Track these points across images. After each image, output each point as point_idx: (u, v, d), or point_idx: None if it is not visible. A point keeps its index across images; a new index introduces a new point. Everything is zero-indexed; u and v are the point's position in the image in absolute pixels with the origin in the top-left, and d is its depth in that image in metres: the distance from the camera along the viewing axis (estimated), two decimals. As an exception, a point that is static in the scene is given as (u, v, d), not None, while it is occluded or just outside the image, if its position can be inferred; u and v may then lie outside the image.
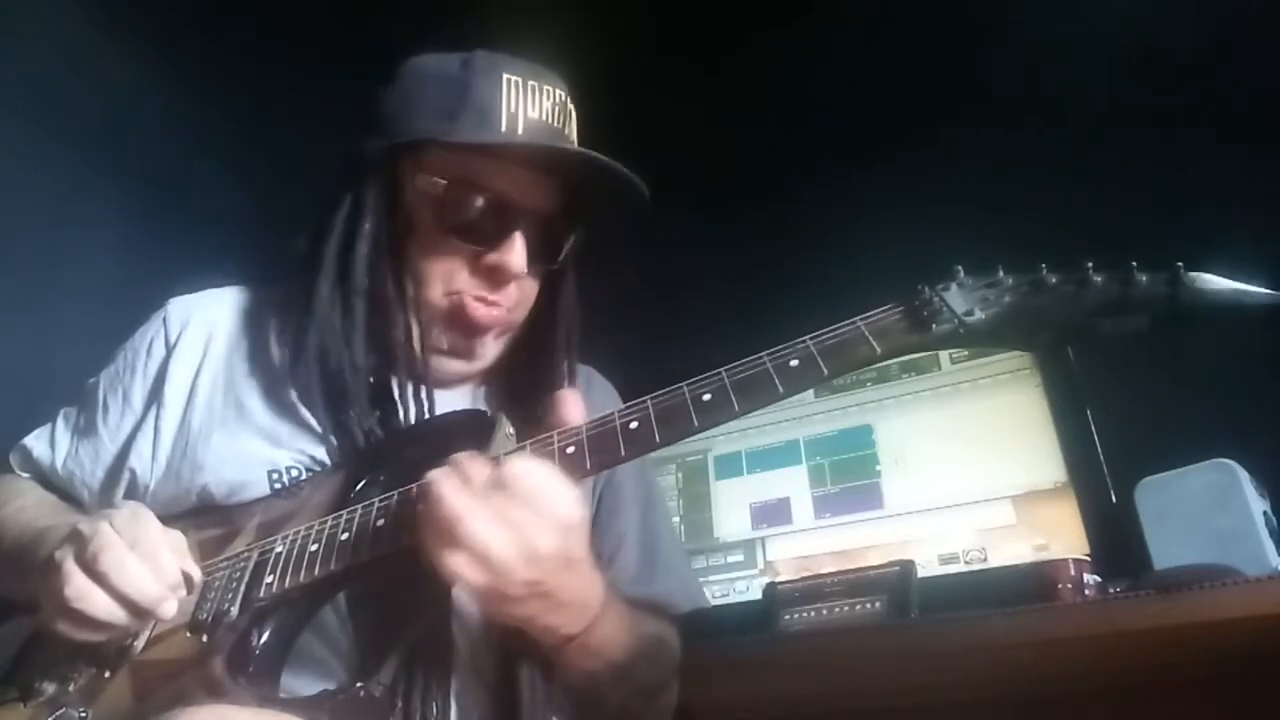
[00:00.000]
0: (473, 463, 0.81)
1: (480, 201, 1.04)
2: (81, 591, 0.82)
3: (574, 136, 1.11)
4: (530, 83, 1.06)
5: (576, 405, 0.90)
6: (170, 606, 0.86)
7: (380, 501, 0.89)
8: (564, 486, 0.82)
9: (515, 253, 1.04)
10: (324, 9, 2.03)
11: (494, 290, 1.06)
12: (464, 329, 1.07)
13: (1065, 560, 1.37)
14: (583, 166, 1.06)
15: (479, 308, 1.06)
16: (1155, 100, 1.75)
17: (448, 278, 1.06)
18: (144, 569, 0.84)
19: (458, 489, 0.79)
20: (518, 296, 1.10)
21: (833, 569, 1.61)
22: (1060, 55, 1.81)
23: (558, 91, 1.09)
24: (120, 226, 1.94)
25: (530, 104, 1.06)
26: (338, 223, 1.08)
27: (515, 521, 0.78)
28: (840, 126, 2.08)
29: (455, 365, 1.11)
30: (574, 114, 1.12)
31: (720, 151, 2.15)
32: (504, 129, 1.03)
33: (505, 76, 1.05)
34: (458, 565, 0.78)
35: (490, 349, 1.11)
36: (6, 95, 1.75)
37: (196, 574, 0.90)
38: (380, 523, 0.88)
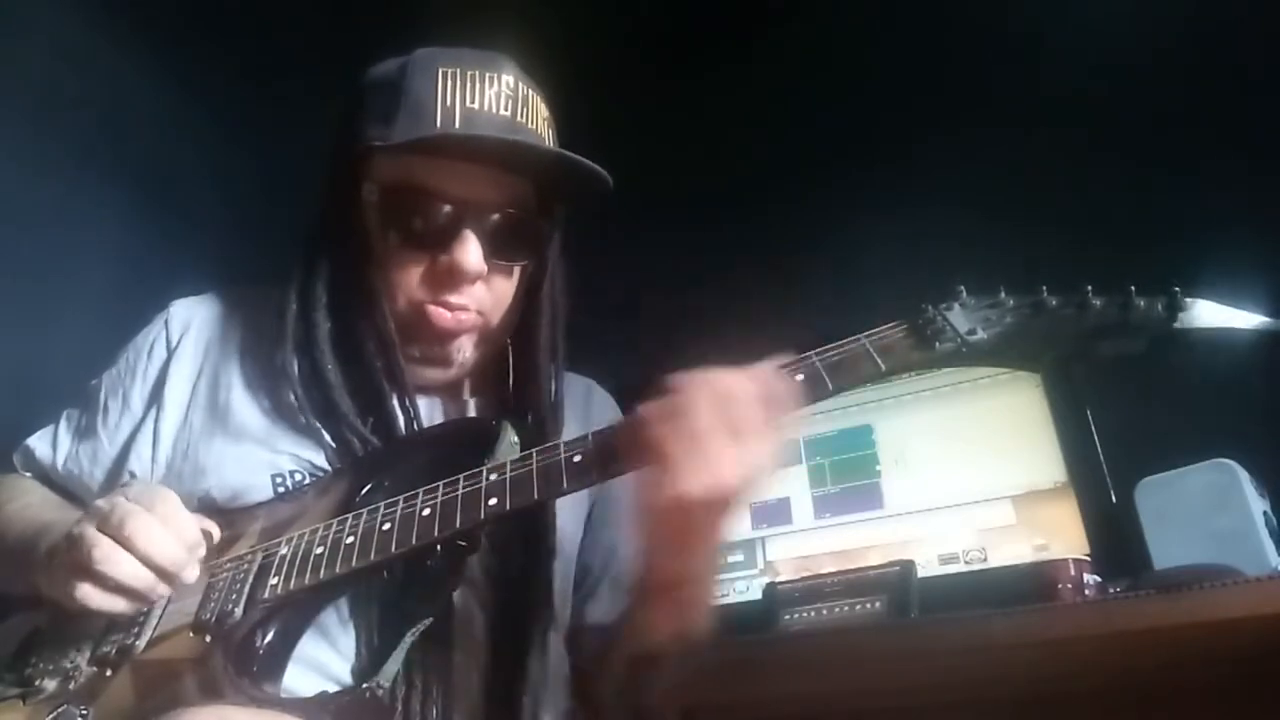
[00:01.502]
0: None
1: (421, 203, 1.00)
2: (107, 554, 0.83)
3: (533, 122, 1.05)
4: (470, 73, 1.01)
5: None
6: (192, 572, 0.88)
7: (386, 507, 0.89)
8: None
9: (468, 251, 1.00)
10: (326, 10, 2.03)
11: (454, 293, 1.02)
12: (430, 337, 1.04)
13: (1065, 560, 1.37)
14: (541, 156, 1.03)
15: (442, 314, 1.02)
16: (1156, 107, 1.76)
17: (407, 286, 1.03)
18: (168, 533, 0.86)
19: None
20: (488, 298, 1.05)
21: (833, 569, 1.61)
22: (1061, 61, 1.81)
23: (505, 78, 1.03)
24: (122, 227, 1.94)
25: (469, 95, 1.00)
26: (305, 240, 1.08)
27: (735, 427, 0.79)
28: (840, 131, 2.08)
29: (432, 373, 1.08)
30: (532, 98, 1.06)
31: (720, 157, 2.14)
32: (439, 124, 0.99)
33: (441, 70, 1.01)
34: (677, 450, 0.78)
35: (469, 355, 1.07)
36: (5, 97, 1.74)
37: (214, 529, 0.92)
38: (386, 528, 0.88)
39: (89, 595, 0.84)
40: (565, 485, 0.86)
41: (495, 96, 1.02)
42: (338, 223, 1.06)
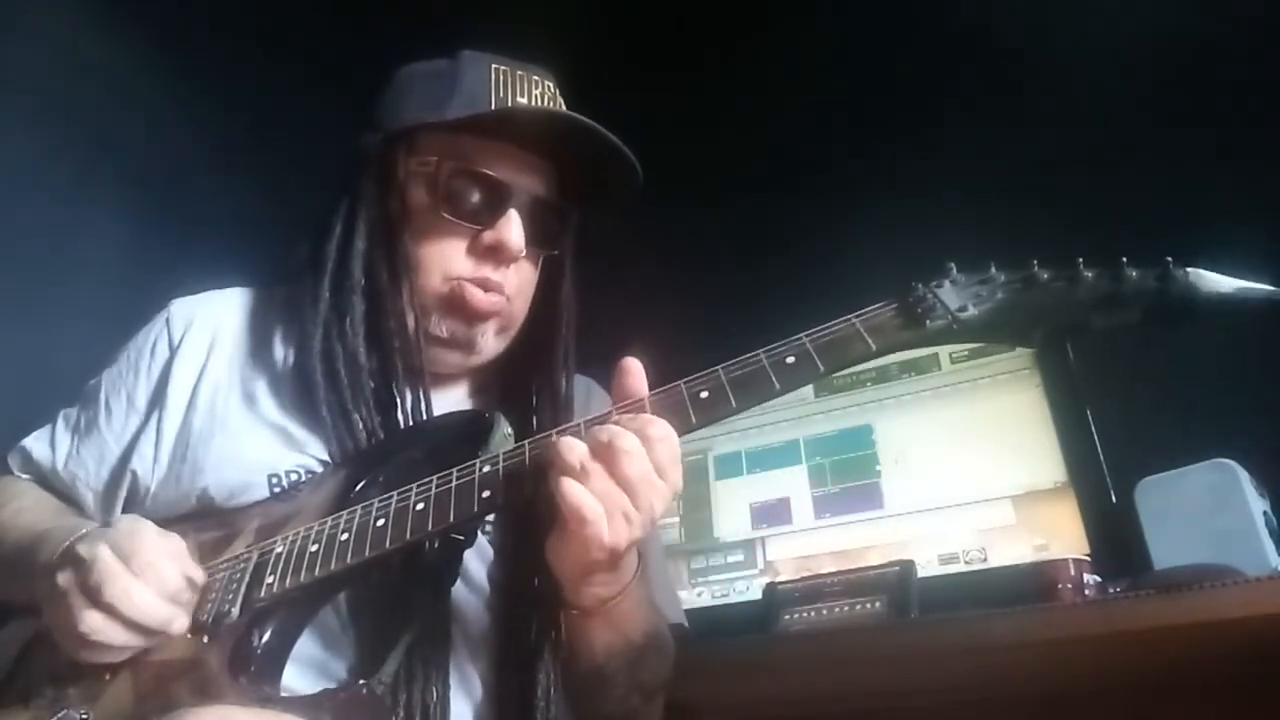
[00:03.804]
0: (602, 425, 0.83)
1: (473, 179, 1.06)
2: (95, 626, 0.83)
3: None
4: (519, 73, 1.09)
5: (639, 375, 0.89)
6: (181, 623, 0.87)
7: (380, 503, 0.89)
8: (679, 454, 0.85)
9: (513, 229, 1.05)
10: (326, 11, 2.04)
11: (493, 270, 1.06)
12: (464, 316, 1.07)
13: (1065, 560, 1.37)
14: (575, 149, 1.07)
15: (478, 294, 1.06)
16: (1152, 94, 1.75)
17: (445, 263, 1.06)
18: (148, 593, 0.84)
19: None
20: (517, 284, 1.09)
21: (833, 569, 1.61)
22: (1056, 50, 1.81)
23: (547, 83, 1.11)
24: (122, 227, 1.94)
25: (519, 90, 1.08)
26: (336, 222, 1.09)
27: (645, 478, 0.81)
28: (835, 123, 2.09)
29: (454, 357, 1.10)
30: (565, 106, 1.13)
31: (716, 149, 2.15)
32: (494, 108, 1.05)
33: (493, 66, 1.08)
34: (576, 509, 0.80)
35: (491, 343, 1.10)
36: (9, 97, 1.75)
37: (199, 576, 0.90)
38: (380, 523, 0.88)
39: (81, 654, 0.86)
40: None
41: (540, 96, 1.10)
42: (375, 201, 1.09)
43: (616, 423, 0.83)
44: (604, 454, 0.81)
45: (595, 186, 1.12)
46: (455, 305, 1.06)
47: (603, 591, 0.90)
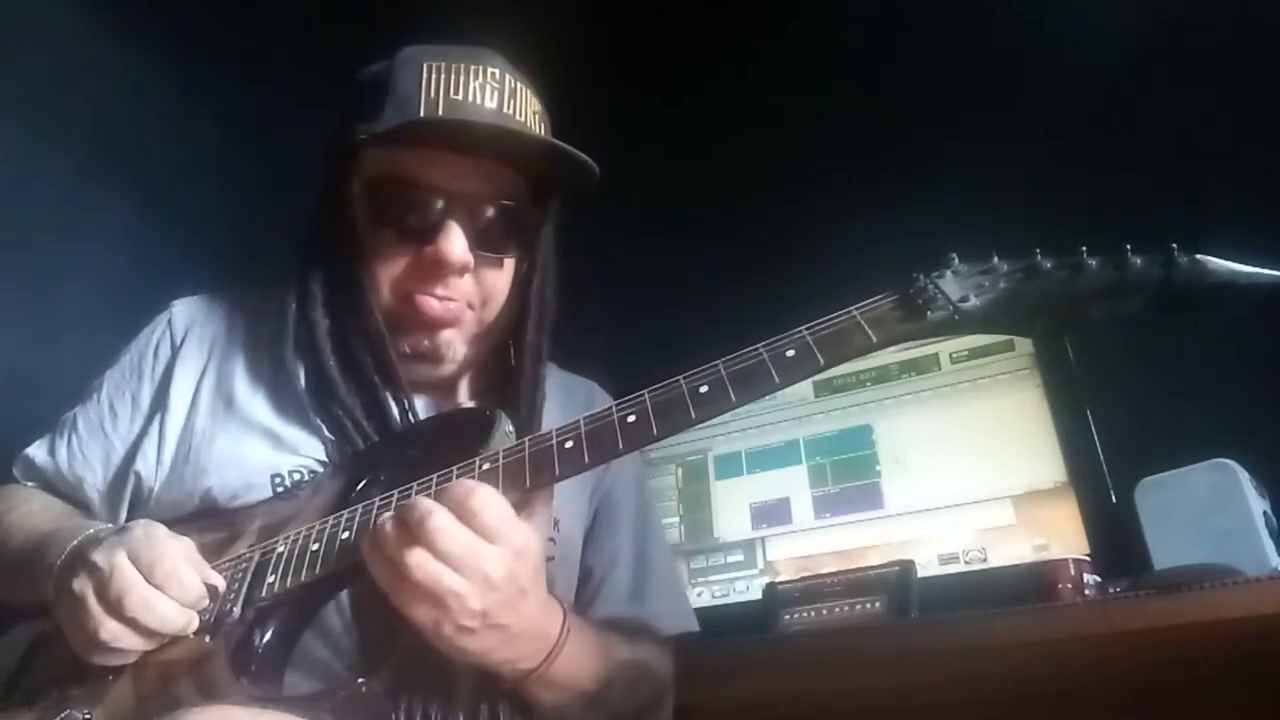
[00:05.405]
0: (413, 504, 0.80)
1: (406, 194, 1.01)
2: (115, 634, 0.83)
3: (522, 114, 1.05)
4: (455, 66, 1.02)
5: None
6: (195, 624, 0.87)
7: (381, 501, 0.89)
8: (511, 513, 0.82)
9: (451, 241, 1.00)
10: (326, 11, 2.04)
11: (440, 285, 1.02)
12: (418, 327, 1.04)
13: (1065, 560, 1.37)
14: (511, 148, 1.03)
15: (430, 303, 1.02)
16: (1154, 80, 1.76)
17: (394, 279, 1.03)
18: (169, 602, 0.85)
19: (397, 531, 0.79)
20: (476, 291, 1.05)
21: (833, 569, 1.61)
22: (1056, 37, 1.81)
23: (491, 70, 1.04)
24: (122, 228, 1.94)
25: (454, 86, 1.01)
26: (301, 240, 1.09)
27: (466, 549, 0.78)
28: (837, 120, 2.09)
29: (424, 369, 1.07)
30: (521, 90, 1.07)
31: (717, 148, 2.15)
32: (421, 115, 0.99)
33: (426, 64, 1.02)
34: (406, 602, 0.79)
35: (459, 350, 1.07)
36: (7, 98, 1.75)
37: (220, 583, 0.90)
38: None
39: (95, 659, 0.86)
40: (557, 472, 0.85)
41: (480, 88, 1.02)
42: (329, 220, 1.07)
43: (436, 497, 0.81)
44: (419, 536, 0.78)
45: (553, 182, 1.08)
46: (411, 319, 1.04)
47: (523, 665, 0.88)
